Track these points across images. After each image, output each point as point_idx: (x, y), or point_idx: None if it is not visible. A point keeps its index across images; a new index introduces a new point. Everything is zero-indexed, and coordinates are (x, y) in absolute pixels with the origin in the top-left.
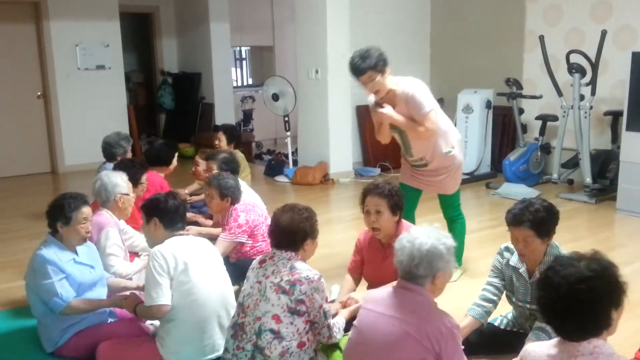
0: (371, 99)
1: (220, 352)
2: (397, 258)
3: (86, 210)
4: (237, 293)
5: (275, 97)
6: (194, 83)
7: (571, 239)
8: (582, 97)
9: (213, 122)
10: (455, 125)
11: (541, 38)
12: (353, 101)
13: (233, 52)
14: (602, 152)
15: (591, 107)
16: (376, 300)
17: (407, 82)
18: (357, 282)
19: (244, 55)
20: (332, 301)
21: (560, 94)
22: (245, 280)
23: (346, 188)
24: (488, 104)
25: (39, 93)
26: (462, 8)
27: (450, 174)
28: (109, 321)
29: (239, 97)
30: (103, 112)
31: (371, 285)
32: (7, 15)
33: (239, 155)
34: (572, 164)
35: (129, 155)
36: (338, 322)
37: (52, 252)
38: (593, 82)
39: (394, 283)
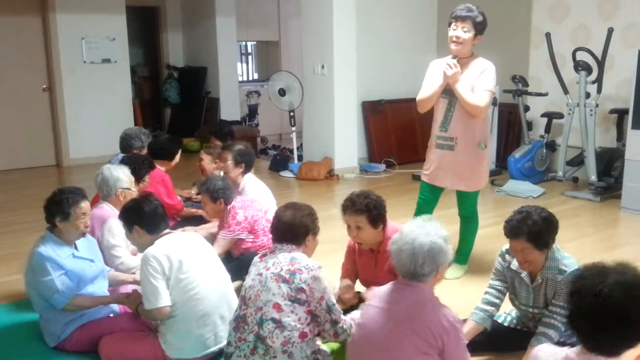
0: (444, 60)
1: (223, 344)
2: (397, 261)
3: (85, 205)
4: (238, 289)
5: (282, 92)
6: (199, 77)
7: (576, 236)
8: (588, 95)
9: (218, 116)
10: None
11: (547, 35)
12: (359, 96)
13: (239, 46)
14: (608, 150)
15: (597, 105)
16: (381, 297)
17: (484, 59)
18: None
19: (249, 50)
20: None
21: (566, 91)
22: (247, 275)
23: (351, 184)
24: (494, 101)
25: (44, 86)
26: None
27: (473, 170)
28: (111, 315)
29: (244, 91)
30: (108, 105)
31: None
32: (13, 7)
33: None
34: (577, 161)
35: (145, 151)
36: (348, 320)
37: (50, 249)
38: (599, 80)
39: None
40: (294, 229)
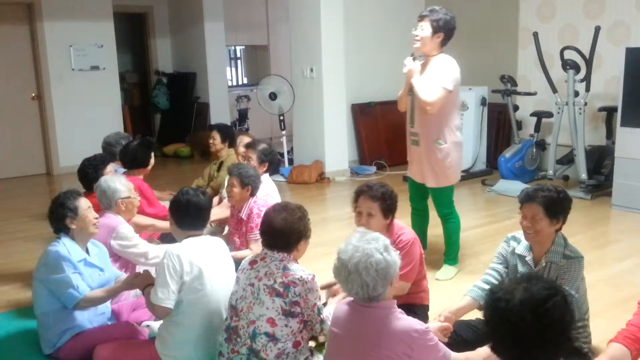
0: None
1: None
2: (348, 290)
3: (84, 200)
4: None
5: (273, 96)
6: (188, 83)
7: (567, 234)
8: (576, 94)
9: (208, 121)
10: None
11: (535, 35)
12: (348, 99)
13: (228, 51)
14: (597, 148)
15: (586, 103)
16: (341, 322)
17: (447, 57)
18: None
19: (238, 55)
20: (325, 303)
21: (554, 90)
22: (235, 282)
23: (342, 186)
24: (483, 101)
25: (33, 94)
26: (455, 6)
27: (436, 166)
28: (107, 324)
29: (234, 96)
30: (98, 112)
31: None
32: (0, 16)
33: (235, 156)
34: (567, 160)
35: None
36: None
37: (65, 249)
38: (587, 78)
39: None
40: (286, 236)
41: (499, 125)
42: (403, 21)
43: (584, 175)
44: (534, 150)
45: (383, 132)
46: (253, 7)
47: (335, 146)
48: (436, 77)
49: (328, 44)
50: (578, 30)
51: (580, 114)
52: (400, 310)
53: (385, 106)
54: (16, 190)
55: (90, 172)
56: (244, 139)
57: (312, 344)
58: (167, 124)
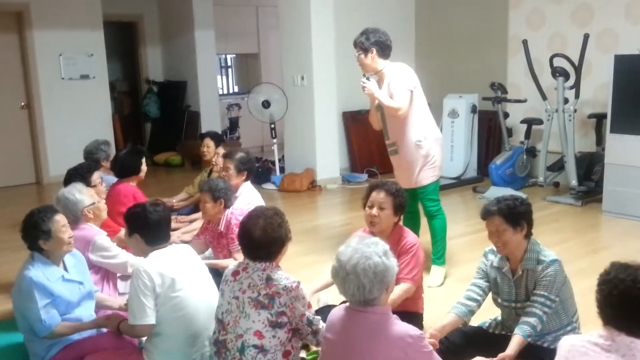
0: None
1: None
2: (344, 292)
3: (59, 217)
4: None
5: (267, 104)
6: (179, 91)
7: (558, 241)
8: (566, 101)
9: (199, 130)
10: (441, 130)
11: (524, 42)
12: (339, 107)
13: (218, 59)
14: (587, 155)
15: (575, 110)
16: (335, 328)
17: (396, 64)
18: None
19: (229, 63)
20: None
21: (544, 97)
22: (220, 294)
23: (334, 194)
24: (473, 109)
25: (22, 103)
26: (446, 14)
27: (417, 165)
28: (95, 333)
29: (224, 104)
30: (88, 121)
31: None
32: None
33: None
34: (558, 167)
35: (109, 159)
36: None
37: (40, 273)
38: (577, 86)
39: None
40: (267, 246)
41: (490, 132)
42: (393, 28)
43: (574, 182)
44: (525, 157)
45: (374, 139)
46: (243, 16)
47: (327, 154)
48: (394, 84)
49: (319, 52)
50: (567, 38)
51: (570, 120)
52: (395, 315)
53: None
54: (5, 200)
55: (78, 181)
56: (220, 150)
57: (303, 354)
58: (157, 132)
